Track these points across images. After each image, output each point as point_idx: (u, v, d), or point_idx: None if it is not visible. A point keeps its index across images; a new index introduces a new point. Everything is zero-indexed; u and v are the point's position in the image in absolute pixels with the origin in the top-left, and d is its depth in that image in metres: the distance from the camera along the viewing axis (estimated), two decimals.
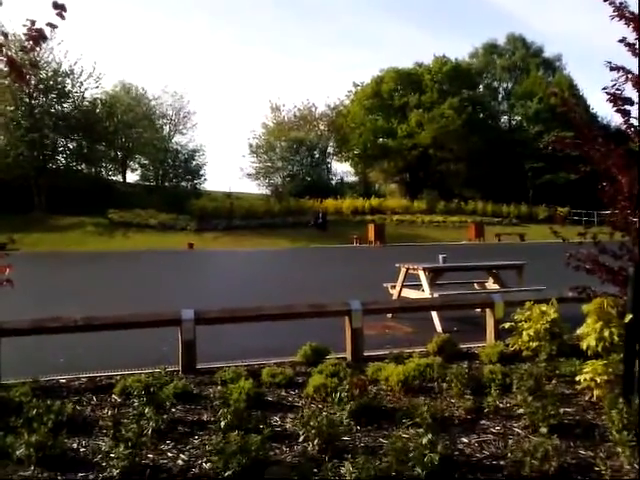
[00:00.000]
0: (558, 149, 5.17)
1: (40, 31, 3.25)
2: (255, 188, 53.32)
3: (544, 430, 3.95)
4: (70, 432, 4.01)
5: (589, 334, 4.88)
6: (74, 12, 3.21)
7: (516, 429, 4.14)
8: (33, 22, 3.25)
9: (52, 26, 3.23)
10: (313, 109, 53.32)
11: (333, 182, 55.04)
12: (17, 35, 3.71)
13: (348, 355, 6.14)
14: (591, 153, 4.63)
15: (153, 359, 6.14)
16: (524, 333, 5.94)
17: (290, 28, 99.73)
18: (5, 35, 3.21)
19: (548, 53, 61.00)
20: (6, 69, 3.35)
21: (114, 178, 48.91)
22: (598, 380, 4.52)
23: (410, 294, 8.80)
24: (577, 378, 4.75)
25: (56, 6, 3.16)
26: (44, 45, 37.05)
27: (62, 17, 3.21)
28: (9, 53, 3.34)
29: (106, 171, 48.01)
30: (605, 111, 58.43)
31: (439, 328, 7.91)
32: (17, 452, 3.69)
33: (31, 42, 3.29)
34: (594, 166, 4.75)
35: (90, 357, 6.65)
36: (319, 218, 37.40)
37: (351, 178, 58.72)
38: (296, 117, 52.81)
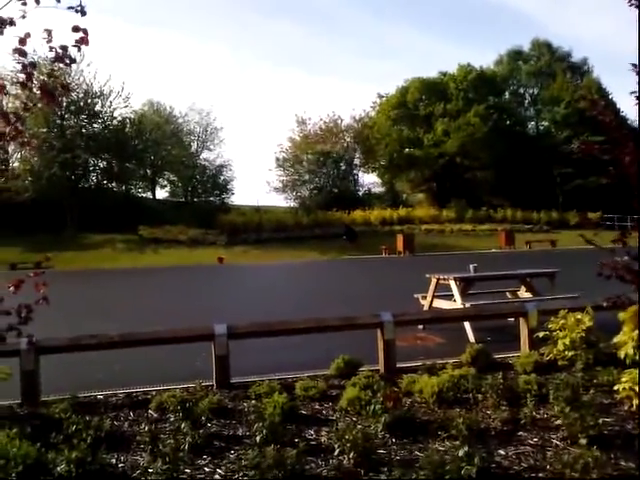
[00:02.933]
0: (586, 154, 5.11)
1: (66, 51, 3.33)
2: (282, 201, 53.52)
3: (583, 441, 3.89)
4: (108, 448, 4.08)
5: (626, 342, 4.79)
6: (102, 34, 3.27)
7: (554, 440, 4.08)
8: (65, 47, 3.33)
9: (78, 47, 3.30)
10: (339, 121, 53.45)
11: (360, 193, 54.99)
12: (46, 58, 3.86)
13: (381, 367, 6.12)
14: (621, 157, 4.56)
15: (187, 374, 6.20)
16: (559, 342, 5.86)
17: (313, 42, 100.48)
18: (34, 65, 3.30)
19: (574, 58, 60.39)
20: (38, 94, 3.46)
21: (144, 195, 49.69)
22: (637, 389, 4.43)
23: (442, 304, 8.73)
24: (615, 387, 4.67)
25: (77, 30, 3.24)
26: (74, 67, 38.04)
27: (85, 41, 3.29)
28: (40, 77, 3.44)
29: (136, 188, 48.82)
30: (636, 115, 57.41)
31: (472, 338, 7.83)
32: (58, 468, 3.76)
33: (60, 64, 3.37)
34: (625, 170, 4.67)
35: (126, 373, 6.74)
36: (347, 231, 37.54)
37: (378, 189, 58.65)
38: (322, 130, 52.95)
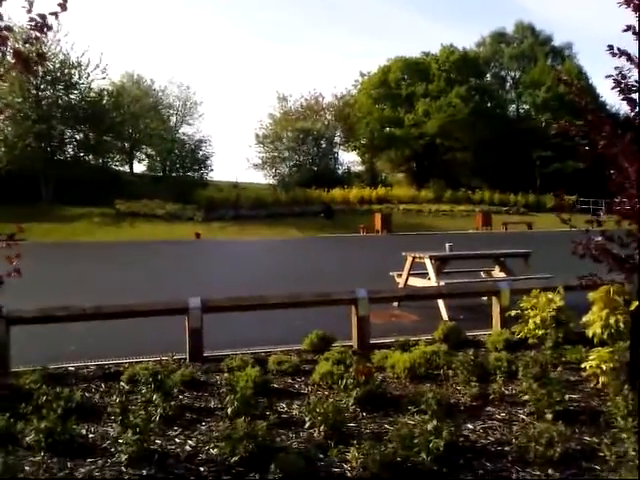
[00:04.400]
0: (565, 135, 5.13)
1: (44, 20, 3.26)
2: (262, 178, 53.42)
3: (549, 416, 3.98)
4: (79, 419, 4.05)
5: (595, 322, 4.89)
6: (81, 3, 3.20)
7: (521, 415, 4.16)
8: (43, 16, 3.25)
9: (55, 15, 3.23)
10: (320, 99, 53.23)
11: (340, 172, 54.94)
12: (22, 27, 3.74)
13: (354, 343, 6.16)
14: (598, 140, 4.59)
15: (161, 347, 6.17)
16: (530, 321, 5.95)
17: (296, 17, 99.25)
18: (9, 29, 3.22)
19: (557, 42, 60.62)
20: (13, 61, 3.37)
21: (121, 169, 49.05)
22: (604, 367, 4.53)
23: (416, 282, 8.81)
24: (583, 365, 4.77)
25: None
26: (51, 37, 37.17)
27: (64, 8, 3.21)
28: (15, 45, 3.36)
29: (113, 161, 48.14)
30: (615, 100, 57.96)
31: (445, 316, 7.92)
32: (27, 438, 3.75)
33: (36, 32, 3.29)
34: (601, 154, 4.71)
35: (99, 345, 6.70)
36: (325, 209, 37.52)
37: (358, 168, 58.68)
38: (303, 107, 52.69)
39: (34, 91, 39.53)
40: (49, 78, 39.95)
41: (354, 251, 22.69)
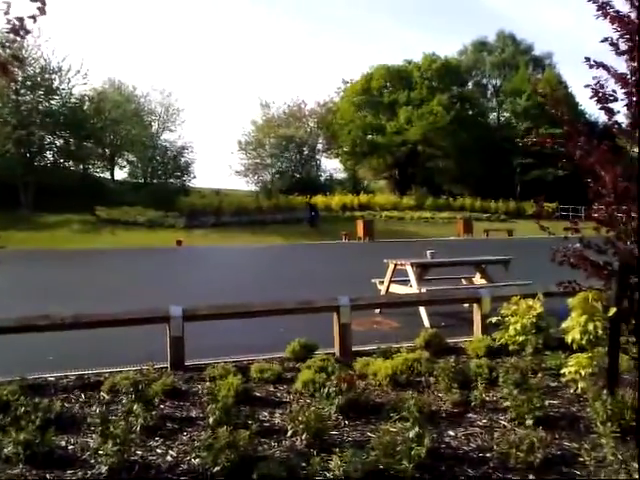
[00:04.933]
0: (540, 145, 5.21)
1: (22, 24, 3.23)
2: (244, 185, 53.20)
3: (529, 422, 4.01)
4: (58, 430, 4.01)
5: (574, 327, 4.92)
6: (63, 8, 3.18)
7: (502, 422, 4.19)
8: (21, 19, 3.23)
9: (34, 19, 3.21)
10: (303, 106, 53.32)
11: (322, 179, 55.08)
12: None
13: (336, 350, 6.16)
14: (574, 150, 4.65)
15: (141, 356, 6.11)
16: (511, 327, 5.98)
17: (279, 24, 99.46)
18: None
19: (538, 51, 61.42)
20: None
21: (102, 175, 48.65)
22: (583, 373, 4.57)
23: (398, 290, 8.84)
24: (562, 371, 4.81)
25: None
26: (31, 42, 36.83)
27: (42, 12, 3.19)
28: None
29: (94, 168, 47.76)
30: (593, 109, 58.79)
31: (427, 323, 7.95)
32: (5, 450, 3.69)
33: (13, 36, 3.27)
34: (577, 163, 4.77)
35: (79, 355, 6.62)
36: (311, 213, 37.23)
37: (340, 175, 58.84)
38: (285, 114, 52.74)
39: (14, 96, 39.12)
40: (29, 83, 39.59)
41: (336, 258, 22.72)
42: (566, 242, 4.86)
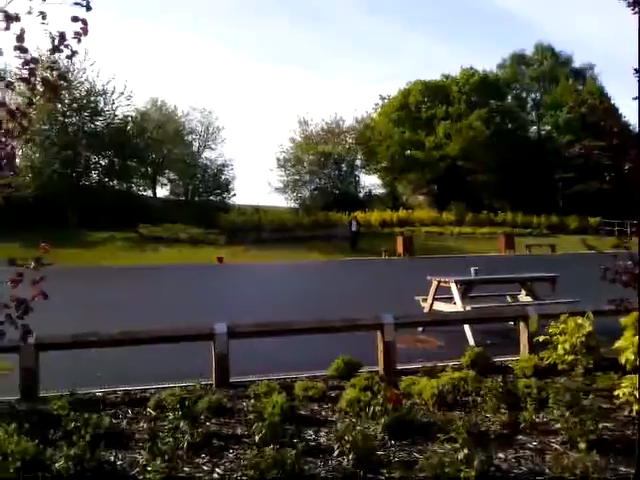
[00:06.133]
0: (585, 157, 5.11)
1: (63, 38, 3.31)
2: (283, 202, 53.44)
3: (582, 446, 3.89)
4: (107, 445, 4.07)
5: (627, 348, 4.79)
6: (107, 32, 3.26)
7: (554, 444, 4.08)
8: (62, 34, 3.31)
9: (78, 39, 3.29)
10: (341, 122, 53.44)
11: (361, 195, 54.95)
12: (47, 51, 3.80)
13: (380, 368, 6.12)
14: (622, 164, 4.54)
15: (185, 373, 6.19)
16: (559, 346, 5.86)
17: (315, 43, 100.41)
18: (36, 61, 3.29)
19: (578, 62, 60.45)
20: (41, 89, 3.45)
21: (144, 193, 49.61)
22: (637, 395, 4.43)
23: (442, 307, 8.73)
24: (615, 393, 4.67)
25: (76, 20, 3.23)
26: (77, 66, 38.03)
27: (85, 32, 3.27)
28: (43, 74, 3.43)
29: (137, 187, 48.71)
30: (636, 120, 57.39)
31: (471, 341, 7.81)
32: (56, 464, 3.75)
33: (60, 55, 3.36)
34: (625, 177, 4.65)
35: (125, 371, 6.73)
36: (352, 227, 36.24)
37: (379, 190, 58.59)
38: (324, 131, 52.94)
39: (60, 118, 40.34)
40: (75, 105, 40.76)
41: (377, 274, 22.60)
42: (615, 259, 4.73)
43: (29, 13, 2.89)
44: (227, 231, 36.96)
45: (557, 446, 4.04)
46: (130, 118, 44.96)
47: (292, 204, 51.86)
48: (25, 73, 3.26)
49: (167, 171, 49.75)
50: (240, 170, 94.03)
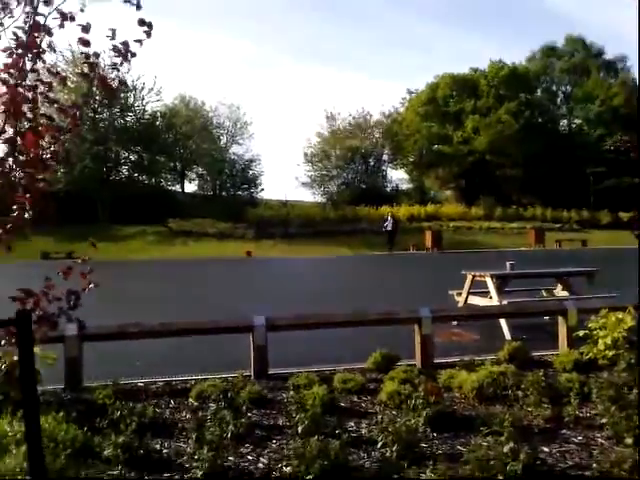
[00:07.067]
0: (619, 150, 5.04)
1: (127, 48, 3.39)
2: (310, 196, 53.48)
3: (629, 441, 3.85)
4: (152, 434, 4.14)
5: None
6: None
7: (599, 439, 4.05)
8: (126, 43, 3.38)
9: (140, 42, 3.35)
10: (368, 117, 53.22)
11: (388, 189, 54.71)
12: (105, 52, 3.91)
13: (418, 362, 6.12)
14: None
15: (224, 364, 6.27)
16: (600, 341, 5.78)
17: (341, 37, 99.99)
18: (97, 55, 3.36)
19: (610, 54, 59.20)
20: (98, 88, 3.53)
21: (173, 188, 50.11)
22: None
23: (477, 301, 8.68)
24: None
25: (142, 23, 3.30)
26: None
27: (149, 35, 3.34)
28: (100, 72, 3.50)
29: (165, 181, 49.22)
30: None
31: (508, 336, 7.76)
32: (105, 452, 3.85)
33: (120, 58, 3.43)
34: None
35: (164, 362, 6.84)
36: (388, 225, 32.71)
37: (406, 185, 58.28)
38: (351, 125, 52.79)
39: (91, 114, 40.94)
40: (105, 101, 41.33)
41: (406, 269, 22.53)
42: None
43: (82, 11, 2.95)
44: (255, 225, 37.14)
45: (602, 441, 4.01)
46: (159, 113, 45.47)
47: (319, 199, 51.94)
48: (85, 69, 3.32)
49: (195, 166, 50.15)
50: (268, 165, 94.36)
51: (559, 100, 60.12)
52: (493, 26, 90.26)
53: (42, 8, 3.03)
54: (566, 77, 58.70)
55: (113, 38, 3.31)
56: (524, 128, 49.56)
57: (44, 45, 3.14)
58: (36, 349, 3.99)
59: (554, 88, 60.28)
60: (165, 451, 4.05)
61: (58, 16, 3.04)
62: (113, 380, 5.39)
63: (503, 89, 53.53)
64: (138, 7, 3.31)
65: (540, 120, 55.10)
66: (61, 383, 5.52)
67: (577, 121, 57.33)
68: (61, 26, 3.10)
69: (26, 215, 3.59)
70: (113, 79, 3.68)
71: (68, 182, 37.61)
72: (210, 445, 3.79)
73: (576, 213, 44.48)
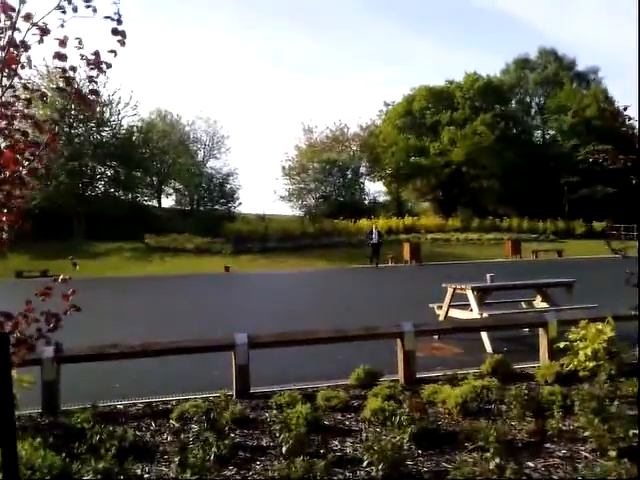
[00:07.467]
0: (594, 161, 5.12)
1: (98, 58, 3.35)
2: (288, 210, 53.51)
3: (613, 454, 3.86)
4: (133, 458, 4.05)
5: None
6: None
7: (583, 452, 4.05)
8: (97, 53, 3.35)
9: (114, 53, 3.32)
10: (345, 130, 53.56)
11: (366, 202, 54.94)
12: (80, 66, 3.85)
13: (400, 377, 6.09)
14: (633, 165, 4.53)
15: (204, 384, 6.18)
16: (580, 353, 5.82)
17: (318, 50, 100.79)
18: (74, 69, 3.32)
19: (582, 66, 60.45)
20: (74, 102, 3.48)
21: (150, 203, 49.75)
22: None
23: (458, 314, 8.69)
24: None
25: (115, 32, 3.27)
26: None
27: (122, 44, 3.31)
28: (76, 87, 3.46)
29: (142, 196, 48.87)
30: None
31: (489, 349, 7.78)
32: (84, 478, 3.74)
33: (96, 70, 3.39)
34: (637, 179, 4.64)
35: (143, 382, 6.72)
36: (373, 238, 31.44)
37: (384, 197, 58.61)
38: (328, 138, 53.06)
39: (66, 129, 40.52)
40: (81, 116, 40.97)
41: (386, 282, 22.55)
42: (624, 262, 4.71)
43: (62, 26, 2.91)
44: (233, 240, 36.98)
45: (586, 454, 4.01)
46: (136, 128, 45.24)
47: (297, 212, 51.98)
48: (61, 83, 3.29)
49: (172, 181, 49.92)
50: (245, 179, 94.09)
51: (533, 111, 61.21)
52: (469, 39, 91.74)
53: (20, 23, 2.99)
54: (539, 89, 59.81)
55: (81, 47, 3.27)
56: (499, 139, 50.30)
57: (22, 59, 3.10)
58: (12, 372, 3.90)
59: (528, 99, 61.39)
60: (146, 476, 3.95)
61: (37, 32, 3.00)
62: (92, 403, 5.27)
63: (478, 101, 54.34)
64: (119, 22, 3.29)
65: (515, 131, 56.05)
66: (38, 407, 5.38)
67: (551, 132, 58.37)
68: (40, 41, 3.06)
69: (4, 235, 3.51)
70: (90, 93, 3.63)
71: (43, 198, 37.12)
72: (193, 469, 3.71)
73: (552, 223, 45.09)
